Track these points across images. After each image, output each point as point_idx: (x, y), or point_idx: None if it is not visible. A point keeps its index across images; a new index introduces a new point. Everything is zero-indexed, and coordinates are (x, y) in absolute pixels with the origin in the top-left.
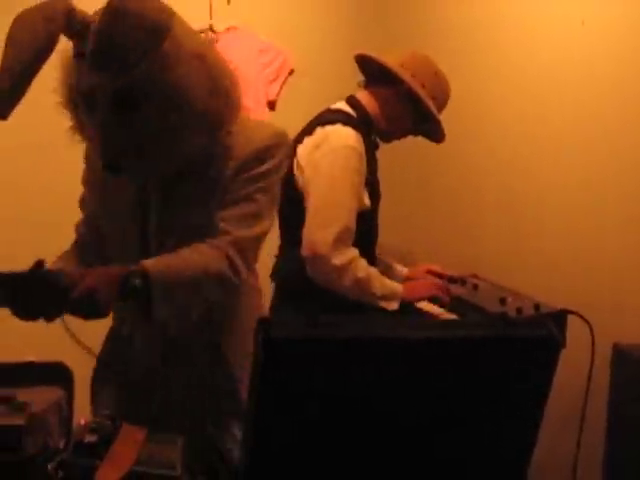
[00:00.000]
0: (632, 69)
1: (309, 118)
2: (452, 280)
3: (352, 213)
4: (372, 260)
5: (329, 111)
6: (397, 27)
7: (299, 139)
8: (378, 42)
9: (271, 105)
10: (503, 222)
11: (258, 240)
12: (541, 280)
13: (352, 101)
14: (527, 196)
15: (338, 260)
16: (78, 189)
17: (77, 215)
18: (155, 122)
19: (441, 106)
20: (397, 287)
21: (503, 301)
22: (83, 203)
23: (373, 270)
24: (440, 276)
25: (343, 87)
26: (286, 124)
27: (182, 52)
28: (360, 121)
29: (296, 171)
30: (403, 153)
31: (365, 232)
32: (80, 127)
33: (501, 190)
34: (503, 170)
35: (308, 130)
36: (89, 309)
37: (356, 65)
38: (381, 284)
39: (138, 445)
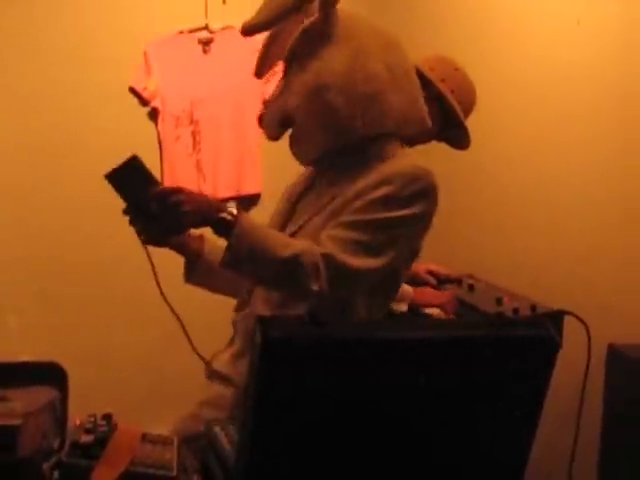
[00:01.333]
0: (628, 68)
1: None
2: (448, 280)
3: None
4: None
5: None
6: (390, 23)
7: None
8: None
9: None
10: (499, 221)
11: (356, 274)
12: (537, 280)
13: None
14: (521, 195)
15: None
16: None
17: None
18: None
19: (467, 112)
20: (407, 288)
21: (499, 301)
22: None
23: None
24: (437, 275)
25: None
26: None
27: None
28: None
29: None
30: None
31: None
32: None
33: (496, 188)
34: (498, 169)
35: None
36: (172, 217)
37: None
38: None
39: (134, 445)
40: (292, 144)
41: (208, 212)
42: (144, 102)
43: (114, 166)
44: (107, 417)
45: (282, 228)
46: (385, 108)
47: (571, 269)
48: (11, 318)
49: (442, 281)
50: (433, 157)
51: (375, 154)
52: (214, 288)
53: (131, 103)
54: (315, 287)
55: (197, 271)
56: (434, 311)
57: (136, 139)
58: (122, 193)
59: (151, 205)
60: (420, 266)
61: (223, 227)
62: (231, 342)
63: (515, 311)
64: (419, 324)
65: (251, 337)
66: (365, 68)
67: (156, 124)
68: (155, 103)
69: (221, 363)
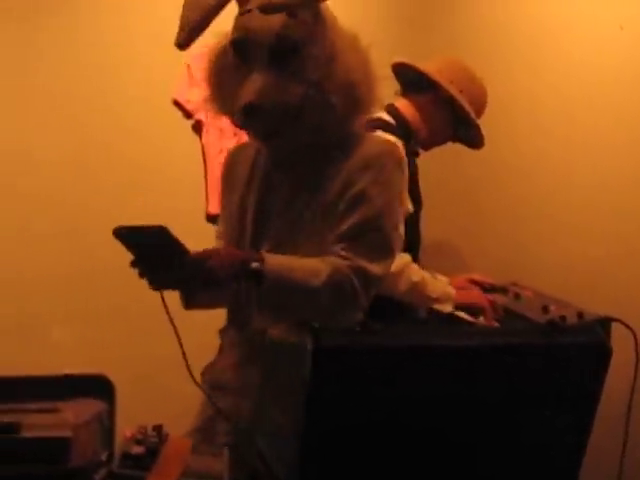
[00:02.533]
0: None
1: None
2: (493, 289)
3: (401, 219)
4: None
5: (368, 120)
6: (428, 33)
7: None
8: (411, 52)
9: None
10: (544, 228)
11: (380, 278)
12: (583, 287)
13: (391, 109)
14: (569, 202)
15: (393, 266)
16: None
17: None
18: (309, 73)
19: (479, 111)
20: (450, 289)
21: (546, 309)
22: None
23: (426, 273)
24: (481, 285)
25: (386, 97)
26: None
27: (335, 23)
28: (399, 128)
29: None
30: (443, 160)
31: (408, 238)
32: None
33: (542, 196)
34: (542, 175)
35: None
36: (205, 281)
37: (388, 74)
38: (434, 287)
39: (184, 456)
40: (272, 135)
41: (239, 269)
42: (188, 115)
43: (128, 225)
44: (157, 428)
45: (253, 240)
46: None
47: (618, 275)
48: (56, 331)
49: (487, 290)
50: (472, 162)
51: (337, 146)
52: (213, 306)
53: (175, 116)
54: (358, 305)
55: (197, 299)
56: (462, 314)
57: (180, 152)
58: (136, 250)
59: (184, 271)
60: (463, 276)
61: (253, 278)
62: (224, 352)
63: (562, 319)
64: (470, 332)
65: (260, 345)
66: (361, 61)
67: (200, 137)
68: (199, 116)
69: (220, 374)
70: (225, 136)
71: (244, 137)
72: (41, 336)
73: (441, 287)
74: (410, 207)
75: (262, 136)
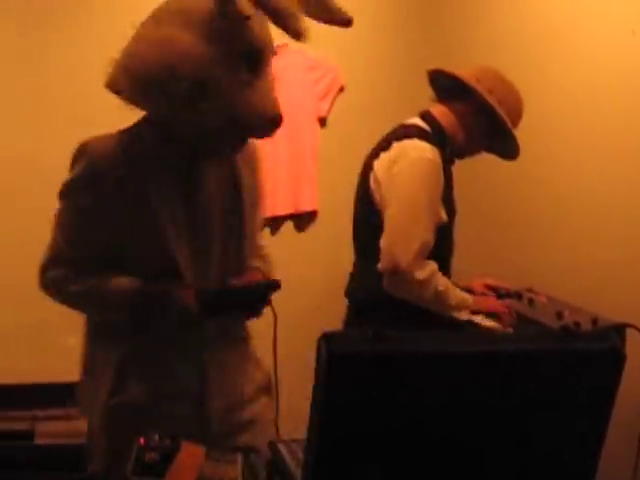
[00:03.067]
0: None
1: (360, 134)
2: (507, 294)
3: (431, 227)
4: (447, 275)
5: (404, 126)
6: (446, 41)
7: (375, 154)
8: (427, 57)
9: (322, 122)
10: (558, 234)
11: None
12: (597, 293)
13: (426, 116)
14: (582, 206)
15: (421, 275)
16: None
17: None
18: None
19: (515, 122)
20: (468, 297)
21: (560, 315)
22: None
23: (448, 282)
24: (495, 290)
25: (393, 102)
26: (337, 140)
27: None
28: (435, 136)
29: (373, 186)
30: (457, 167)
31: (442, 246)
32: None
33: (555, 201)
34: (556, 180)
35: (384, 145)
36: None
37: (406, 80)
38: (454, 294)
39: (198, 463)
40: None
41: None
42: None
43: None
44: (171, 435)
45: (198, 249)
46: None
47: (632, 281)
48: (72, 338)
49: (501, 295)
50: (497, 173)
51: None
52: None
53: None
54: None
55: None
56: (490, 324)
57: None
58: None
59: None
60: (477, 280)
61: None
62: (215, 386)
63: (576, 324)
64: (484, 338)
65: None
66: None
67: None
68: None
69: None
70: None
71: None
72: (56, 343)
73: (460, 295)
74: (444, 216)
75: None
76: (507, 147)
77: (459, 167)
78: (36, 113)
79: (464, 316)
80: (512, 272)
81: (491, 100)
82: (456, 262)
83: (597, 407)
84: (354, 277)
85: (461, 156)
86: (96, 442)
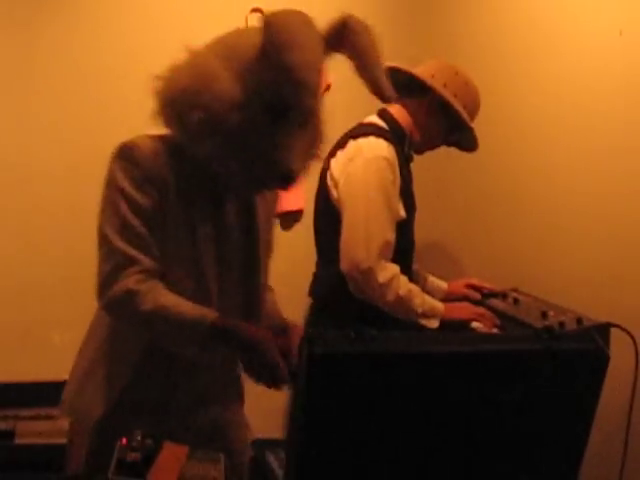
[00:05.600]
0: None
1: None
2: (492, 294)
3: (391, 226)
4: (408, 272)
5: (361, 125)
6: (434, 41)
7: (332, 153)
8: (409, 55)
9: None
10: (542, 234)
11: None
12: (582, 293)
13: (383, 114)
14: (566, 207)
15: (381, 277)
16: None
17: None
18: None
19: (472, 114)
20: (438, 305)
21: (545, 315)
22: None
23: (414, 287)
24: (479, 289)
25: (379, 102)
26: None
27: None
28: (392, 133)
29: (330, 184)
30: (443, 166)
31: (401, 243)
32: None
33: (539, 202)
34: (540, 181)
35: (341, 144)
36: None
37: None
38: (422, 301)
39: (180, 463)
40: None
41: None
42: None
43: None
44: (153, 435)
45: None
46: None
47: (617, 281)
48: (56, 335)
49: (486, 295)
50: (471, 167)
51: None
52: None
53: None
54: None
55: None
56: (477, 325)
57: None
58: None
59: None
60: (460, 281)
61: None
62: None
63: (561, 324)
64: (466, 338)
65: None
66: None
67: None
68: None
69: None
70: None
71: None
72: (41, 341)
73: (429, 303)
74: (403, 212)
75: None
76: (467, 140)
77: (446, 168)
78: (24, 113)
79: (434, 324)
80: (498, 272)
81: (446, 94)
82: (442, 262)
83: (581, 407)
84: (316, 277)
85: (420, 152)
86: (80, 442)
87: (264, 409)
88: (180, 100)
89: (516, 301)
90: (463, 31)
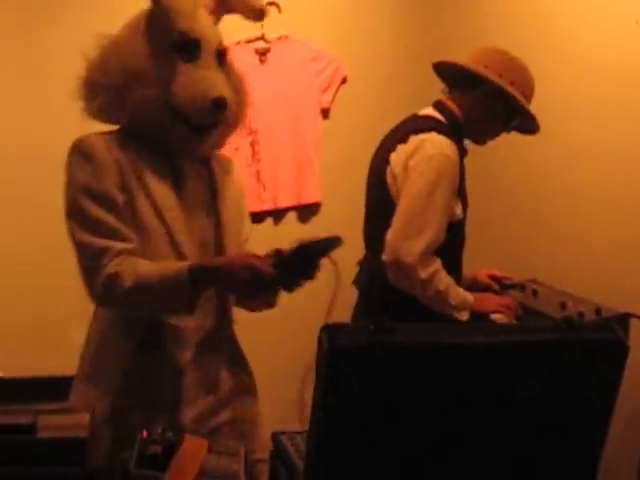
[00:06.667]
0: None
1: (363, 125)
2: (511, 285)
3: (443, 223)
4: (458, 271)
5: (420, 118)
6: (449, 29)
7: (391, 146)
8: (431, 45)
9: (325, 113)
10: (560, 224)
11: None
12: (600, 283)
13: (440, 107)
14: (586, 198)
15: (424, 273)
16: None
17: None
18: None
19: (529, 98)
20: (469, 297)
21: (564, 306)
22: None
23: (451, 280)
24: (500, 281)
25: (396, 93)
26: (340, 131)
27: None
28: (451, 127)
29: (389, 179)
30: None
31: (454, 242)
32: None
33: (559, 192)
34: (559, 172)
35: (401, 138)
36: None
37: (409, 70)
38: (456, 294)
39: (201, 456)
40: (211, 129)
41: None
42: None
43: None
44: (174, 428)
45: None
46: None
47: (635, 270)
48: (73, 331)
49: (505, 286)
50: (501, 163)
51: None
52: None
53: None
54: None
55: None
56: (497, 316)
57: None
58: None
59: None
60: (481, 271)
61: None
62: (190, 393)
63: (580, 315)
64: (485, 329)
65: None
66: None
67: None
68: None
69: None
70: (240, 134)
71: (259, 135)
72: (59, 337)
73: (461, 295)
74: (459, 212)
75: (205, 130)
76: (526, 124)
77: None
78: (36, 110)
79: (464, 316)
80: (517, 264)
81: (504, 84)
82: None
83: (601, 397)
84: (362, 267)
85: (482, 142)
86: (99, 436)
87: (280, 401)
88: (94, 73)
89: (535, 292)
90: (478, 23)
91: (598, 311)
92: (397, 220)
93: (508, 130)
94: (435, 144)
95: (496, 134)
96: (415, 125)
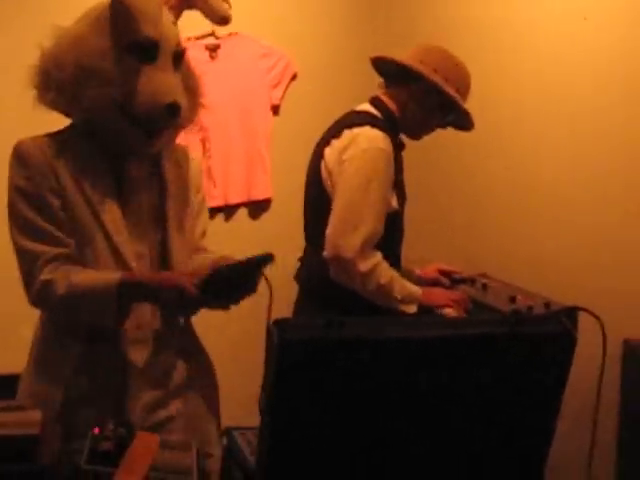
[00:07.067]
0: (635, 64)
1: (313, 121)
2: (461, 280)
3: (381, 216)
4: (398, 263)
5: (355, 113)
6: (398, 29)
7: (326, 141)
8: (380, 43)
9: (275, 109)
10: (510, 219)
11: None
12: (550, 278)
13: (376, 102)
14: (534, 192)
15: (363, 266)
16: None
17: None
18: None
19: (465, 95)
20: (416, 290)
21: (513, 300)
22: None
23: (394, 273)
24: (449, 274)
25: (346, 89)
26: (290, 128)
27: None
28: (386, 122)
29: (324, 174)
30: (413, 152)
31: (392, 234)
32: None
33: (507, 187)
34: (508, 167)
35: (335, 132)
36: None
37: (358, 67)
38: (401, 287)
39: (153, 451)
40: (162, 133)
41: None
42: None
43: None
44: (125, 424)
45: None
46: None
47: (584, 265)
48: (24, 328)
49: (455, 281)
50: (449, 158)
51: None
52: None
53: None
54: None
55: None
56: (447, 311)
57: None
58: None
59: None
60: (430, 266)
61: None
62: (135, 387)
63: (529, 309)
64: (435, 323)
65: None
66: None
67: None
68: None
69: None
70: (190, 130)
71: (210, 132)
72: (8, 334)
73: (407, 288)
74: (395, 203)
75: (156, 133)
76: (461, 120)
77: (411, 150)
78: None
79: (411, 310)
80: (466, 258)
81: (437, 79)
82: (408, 248)
83: (549, 389)
84: (303, 262)
85: (417, 137)
86: (49, 433)
87: (237, 397)
88: (48, 65)
89: (485, 286)
90: (427, 20)
91: (547, 305)
92: (334, 216)
93: (443, 126)
94: (369, 138)
95: (431, 129)
96: (350, 120)
